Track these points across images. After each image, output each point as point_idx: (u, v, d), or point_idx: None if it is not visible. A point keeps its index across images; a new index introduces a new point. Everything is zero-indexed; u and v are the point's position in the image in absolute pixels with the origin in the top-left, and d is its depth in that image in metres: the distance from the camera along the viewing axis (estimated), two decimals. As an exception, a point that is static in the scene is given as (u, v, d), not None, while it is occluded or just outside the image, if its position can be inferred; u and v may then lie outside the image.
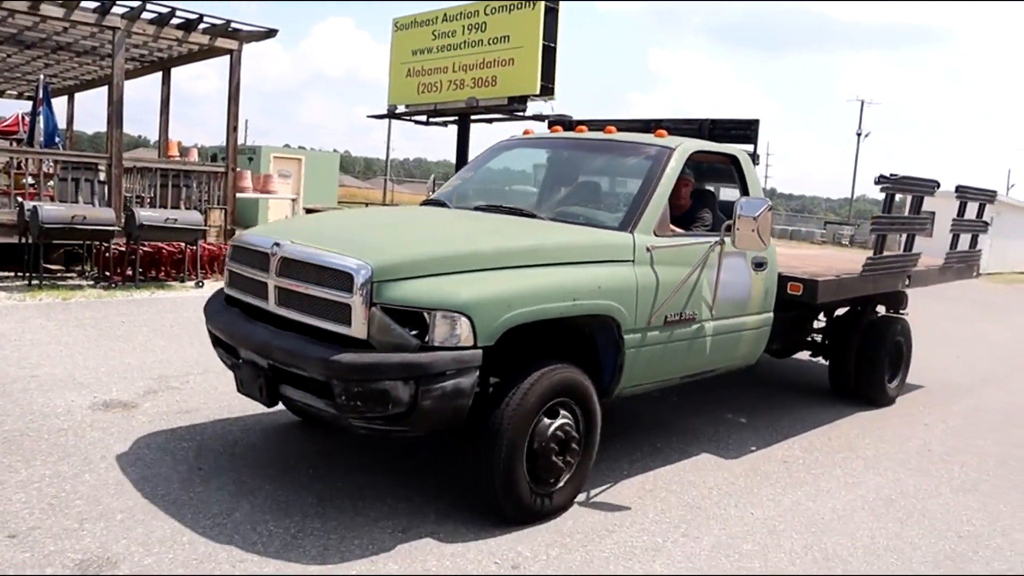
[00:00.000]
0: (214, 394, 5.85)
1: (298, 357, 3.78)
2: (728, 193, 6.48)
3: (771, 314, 5.66)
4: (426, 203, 5.85)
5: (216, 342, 4.65)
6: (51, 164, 11.94)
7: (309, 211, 14.32)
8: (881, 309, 7.63)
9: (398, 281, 3.69)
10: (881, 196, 6.91)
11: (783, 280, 5.81)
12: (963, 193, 8.23)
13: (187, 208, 11.98)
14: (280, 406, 4.38)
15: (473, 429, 3.88)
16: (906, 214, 7.30)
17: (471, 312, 3.66)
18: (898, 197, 7.16)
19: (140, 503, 3.89)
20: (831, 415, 6.61)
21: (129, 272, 10.61)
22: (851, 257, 8.55)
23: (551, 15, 24.85)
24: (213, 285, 10.93)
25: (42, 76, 14.70)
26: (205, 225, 11.62)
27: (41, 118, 13.66)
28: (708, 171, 6.05)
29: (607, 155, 5.87)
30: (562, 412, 4.08)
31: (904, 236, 7.35)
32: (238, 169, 13.78)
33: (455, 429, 3.90)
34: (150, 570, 3.26)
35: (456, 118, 28.28)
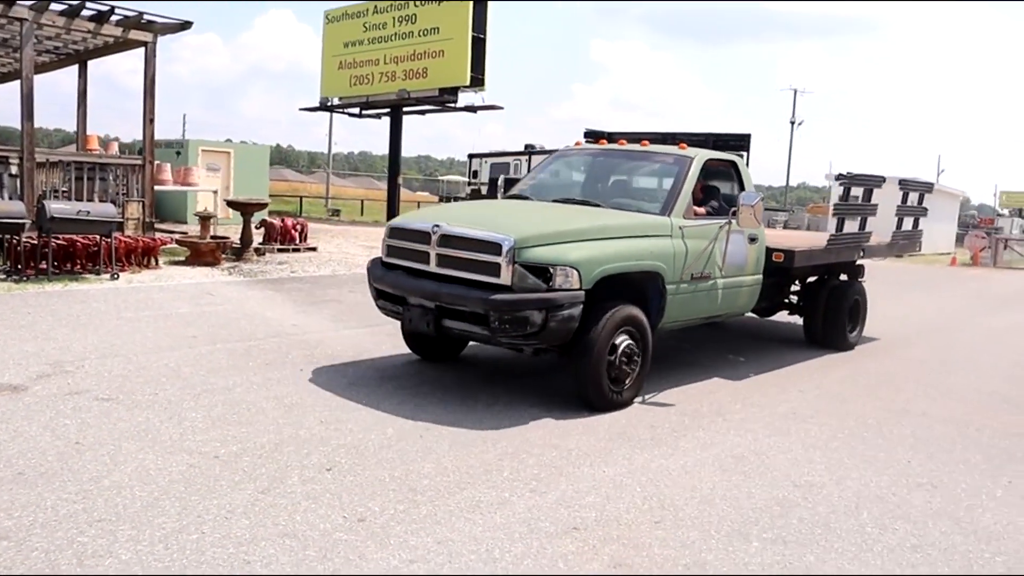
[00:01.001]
0: (107, 376, 5.99)
1: (464, 299, 5.69)
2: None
3: (761, 276, 7.70)
4: (510, 196, 7.86)
5: (380, 295, 6.56)
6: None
7: (230, 203, 14.37)
8: (844, 277, 9.58)
9: (530, 248, 5.63)
10: (824, 184, 9.47)
11: (769, 251, 7.79)
12: (905, 185, 10.41)
13: (103, 201, 11.95)
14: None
15: (571, 350, 5.83)
16: (847, 202, 9.31)
17: (578, 267, 5.66)
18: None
19: (9, 474, 4.05)
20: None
21: (43, 265, 10.59)
22: (812, 236, 10.69)
23: (480, 6, 25.13)
24: (130, 278, 10.99)
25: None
26: (122, 217, 11.64)
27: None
28: (714, 172, 7.70)
29: (645, 162, 7.85)
30: (628, 336, 6.02)
31: (854, 218, 9.31)
32: (157, 162, 13.78)
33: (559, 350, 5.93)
34: (10, 532, 3.44)
35: (388, 110, 28.44)
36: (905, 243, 10.66)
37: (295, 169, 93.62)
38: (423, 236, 6.11)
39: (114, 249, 11.00)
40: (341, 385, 6.20)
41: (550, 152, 27.26)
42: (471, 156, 30.74)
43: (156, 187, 13.42)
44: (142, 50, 13.32)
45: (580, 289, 5.64)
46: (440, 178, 51.78)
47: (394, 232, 6.54)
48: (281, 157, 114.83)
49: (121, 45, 13.04)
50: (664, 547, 3.73)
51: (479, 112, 28.01)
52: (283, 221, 15.84)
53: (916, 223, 10.82)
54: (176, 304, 9.29)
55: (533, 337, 5.61)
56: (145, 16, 12.07)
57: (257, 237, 15.49)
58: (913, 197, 10.64)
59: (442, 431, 5.21)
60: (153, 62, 12.57)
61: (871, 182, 9.33)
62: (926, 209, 11.05)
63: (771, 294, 8.55)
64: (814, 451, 5.38)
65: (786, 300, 9.43)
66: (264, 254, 14.49)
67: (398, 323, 7.79)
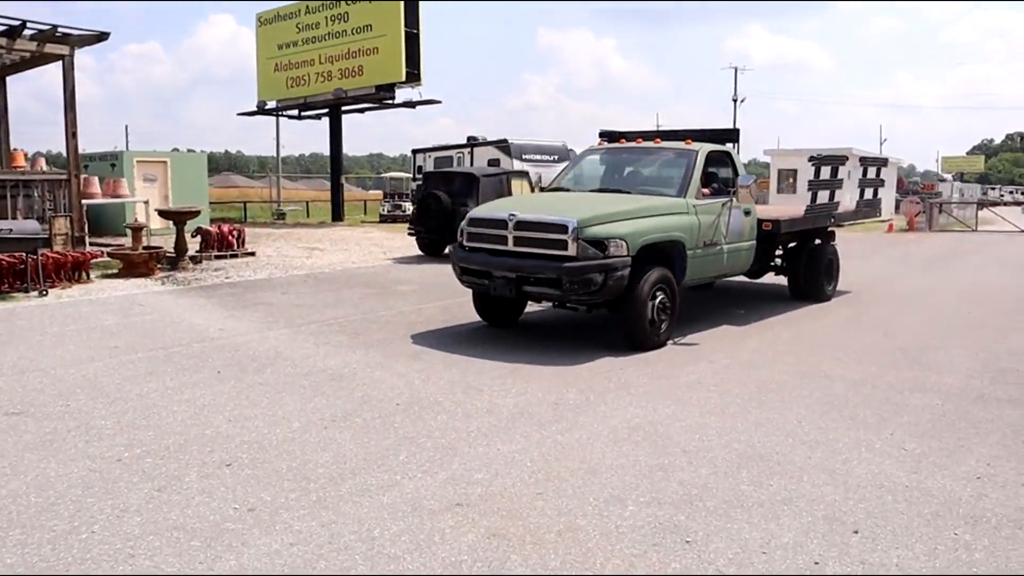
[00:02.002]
0: (20, 391, 6.06)
1: (542, 268, 7.44)
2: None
3: (755, 241, 9.53)
4: (552, 189, 9.63)
5: (465, 272, 8.12)
6: None
7: (161, 213, 14.34)
8: (818, 241, 11.27)
9: (589, 227, 7.35)
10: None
11: (760, 221, 9.63)
12: (865, 161, 12.54)
13: (25, 217, 11.88)
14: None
15: (621, 305, 7.63)
16: (818, 178, 11.06)
17: (626, 239, 7.44)
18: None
19: (-94, 491, 4.13)
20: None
21: (-32, 286, 10.51)
22: (791, 208, 11.73)
23: (411, 3, 25.21)
24: (60, 293, 10.95)
25: None
26: (48, 234, 11.58)
27: None
28: (714, 160, 9.29)
29: (660, 155, 9.44)
30: (662, 292, 7.80)
31: (812, 191, 11.08)
32: (85, 176, 13.69)
33: (606, 305, 7.81)
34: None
35: (327, 110, 28.42)
36: (868, 210, 12.38)
37: (245, 174, 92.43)
38: (501, 223, 7.79)
39: (41, 266, 10.95)
40: (255, 384, 6.32)
41: (491, 143, 27.36)
42: (415, 151, 30.79)
43: (85, 201, 13.36)
44: (48, 64, 13.21)
45: (628, 256, 7.43)
46: (383, 175, 51.88)
47: (474, 222, 8.21)
48: (231, 163, 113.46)
49: (38, 59, 12.92)
50: (540, 516, 3.93)
51: (419, 107, 28.24)
52: (219, 228, 15.81)
53: (875, 192, 12.64)
54: (103, 317, 9.31)
55: (595, 294, 7.39)
56: (60, 29, 11.96)
57: (194, 245, 15.48)
58: (870, 171, 12.54)
59: (346, 423, 5.36)
60: (72, 75, 12.46)
61: (837, 160, 11.31)
62: (883, 180, 13.24)
63: (760, 258, 10.09)
64: (709, 417, 5.61)
65: (772, 264, 11.00)
66: (200, 262, 14.49)
67: (322, 322, 7.96)
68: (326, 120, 29.24)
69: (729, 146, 9.93)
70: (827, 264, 11.08)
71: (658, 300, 7.71)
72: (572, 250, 7.25)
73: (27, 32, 11.80)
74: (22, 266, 10.99)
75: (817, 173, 10.91)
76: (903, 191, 40.35)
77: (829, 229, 11.46)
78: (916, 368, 7.13)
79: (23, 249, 10.77)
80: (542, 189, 10.06)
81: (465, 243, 8.18)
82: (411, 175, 31.77)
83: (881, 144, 70.43)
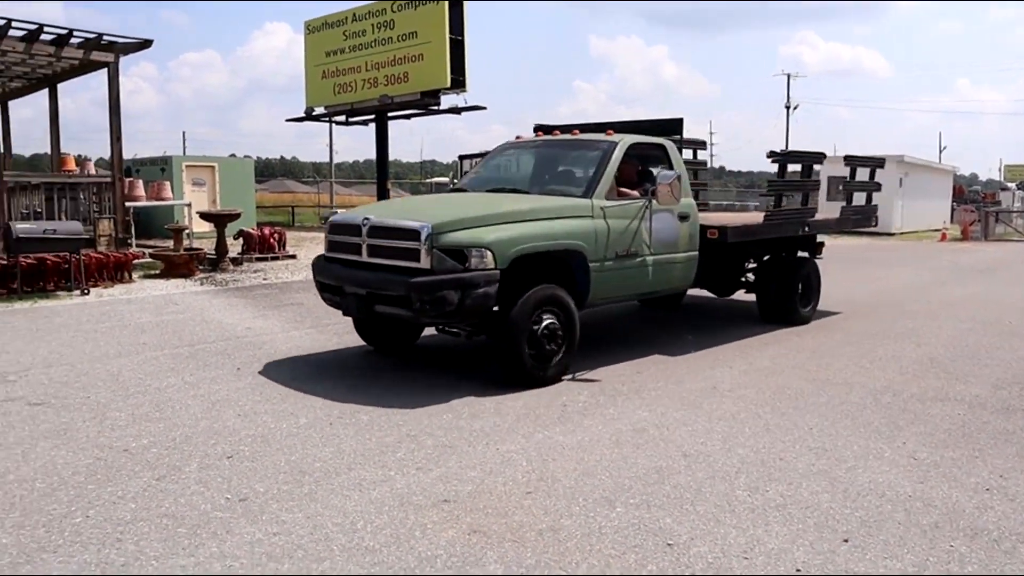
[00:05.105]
0: (45, 383, 6.26)
1: (389, 283, 6.11)
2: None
3: (696, 252, 8.02)
4: (453, 190, 9.00)
5: (323, 288, 7.03)
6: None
7: (203, 216, 14.67)
8: (804, 254, 9.84)
9: (446, 233, 6.05)
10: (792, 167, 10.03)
11: (705, 228, 8.11)
12: (852, 160, 10.78)
13: (71, 219, 12.24)
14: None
15: (494, 331, 6.26)
16: (783, 178, 9.74)
17: (492, 247, 6.05)
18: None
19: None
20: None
21: (13, 285, 10.87)
22: (750, 215, 10.90)
23: (456, 9, 25.33)
24: (101, 292, 11.26)
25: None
26: (93, 234, 11.91)
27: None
28: (647, 156, 8.03)
29: (575, 150, 8.10)
30: (551, 315, 6.40)
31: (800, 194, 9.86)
32: (130, 179, 14.07)
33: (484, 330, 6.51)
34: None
35: (373, 116, 28.71)
36: (858, 218, 10.66)
37: (300, 180, 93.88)
38: (356, 229, 6.60)
39: (84, 266, 11.27)
40: (270, 381, 6.43)
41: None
42: (461, 157, 30.98)
43: (130, 203, 13.73)
44: (96, 71, 13.55)
45: (495, 269, 6.04)
46: (426, 180, 52.49)
47: (333, 228, 7.06)
48: (286, 169, 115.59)
49: (86, 67, 13.31)
50: (525, 514, 3.92)
51: (473, 114, 28.36)
52: (261, 231, 16.12)
53: (869, 198, 11.04)
54: (138, 315, 9.55)
55: (453, 316, 6.05)
56: (105, 37, 12.34)
57: (236, 247, 15.80)
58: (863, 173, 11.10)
59: (352, 419, 5.42)
60: (116, 82, 12.82)
61: (809, 158, 9.71)
62: (879, 184, 11.30)
63: (721, 272, 9.04)
64: (718, 422, 5.53)
65: (743, 279, 9.68)
66: (241, 263, 14.76)
67: (348, 321, 8.01)
68: (365, 127, 29.55)
69: (675, 139, 8.48)
70: (803, 281, 9.44)
71: (544, 326, 6.33)
72: (425, 261, 5.98)
73: (74, 40, 12.19)
74: (66, 266, 11.34)
75: (781, 172, 9.57)
76: (961, 199, 39.30)
77: (818, 240, 10.10)
78: (941, 377, 6.96)
79: (67, 249, 11.10)
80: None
81: (326, 253, 7.10)
82: (450, 181, 32.02)
83: (940, 151, 68.87)
